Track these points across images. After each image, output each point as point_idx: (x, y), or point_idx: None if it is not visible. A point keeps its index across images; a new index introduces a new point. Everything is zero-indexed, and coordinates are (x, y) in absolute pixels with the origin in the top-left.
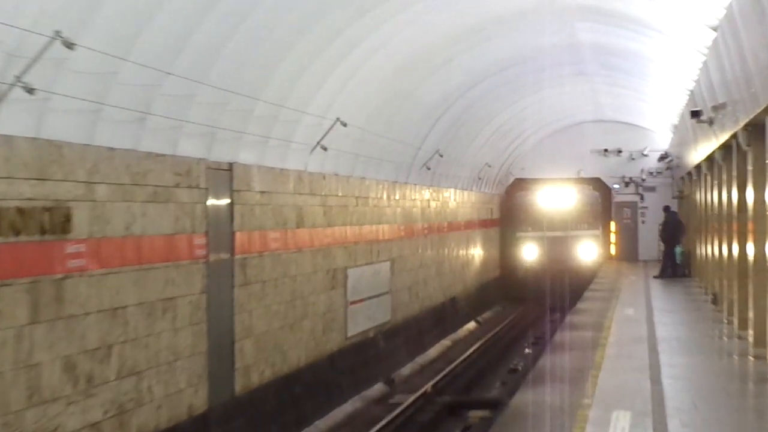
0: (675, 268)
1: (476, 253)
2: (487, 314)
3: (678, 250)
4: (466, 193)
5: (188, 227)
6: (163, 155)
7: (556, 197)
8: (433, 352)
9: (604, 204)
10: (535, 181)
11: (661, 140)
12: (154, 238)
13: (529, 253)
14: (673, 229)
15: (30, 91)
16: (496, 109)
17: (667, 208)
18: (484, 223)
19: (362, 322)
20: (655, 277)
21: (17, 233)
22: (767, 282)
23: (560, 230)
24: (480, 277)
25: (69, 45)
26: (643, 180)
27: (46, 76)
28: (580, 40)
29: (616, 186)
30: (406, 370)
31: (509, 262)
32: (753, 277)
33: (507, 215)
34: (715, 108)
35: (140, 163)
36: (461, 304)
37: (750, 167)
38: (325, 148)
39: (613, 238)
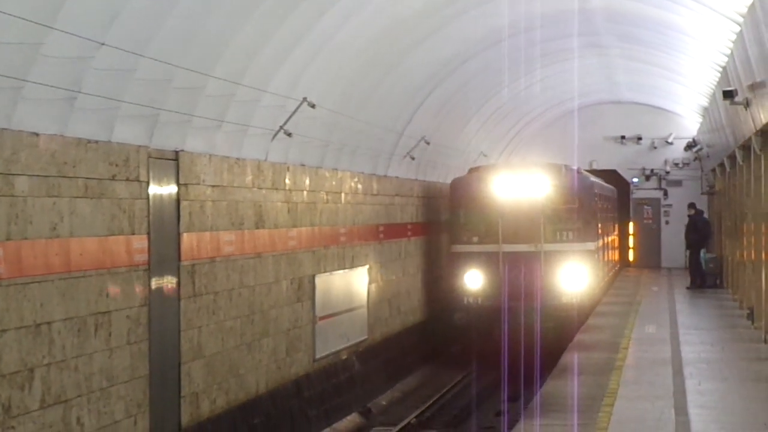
0: (703, 277)
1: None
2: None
3: (703, 255)
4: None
5: (126, 228)
6: (96, 142)
7: (520, 188)
8: (417, 376)
9: (619, 201)
10: (494, 168)
11: (688, 126)
12: (85, 241)
13: (472, 280)
14: (703, 231)
15: None
16: (494, 88)
17: (692, 206)
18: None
19: (333, 341)
20: (688, 287)
21: None
22: None
23: (526, 242)
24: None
25: None
26: (667, 172)
27: None
28: (593, 5)
29: (635, 180)
30: (385, 398)
31: (441, 296)
32: None
33: (448, 219)
34: (752, 87)
35: (69, 151)
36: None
37: None
38: (289, 134)
39: (631, 241)
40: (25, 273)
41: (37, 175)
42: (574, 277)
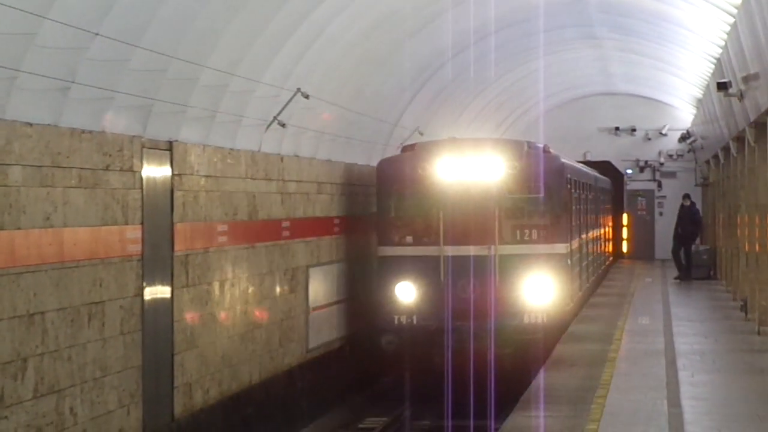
0: (683, 268)
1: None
2: None
3: (695, 247)
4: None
5: (120, 218)
6: (90, 132)
7: (469, 171)
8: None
9: (613, 192)
10: (434, 146)
11: (682, 117)
12: (79, 231)
13: (405, 293)
14: (700, 222)
15: None
16: (488, 79)
17: (688, 196)
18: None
19: (327, 331)
20: (681, 279)
21: None
22: None
23: (476, 244)
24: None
25: None
26: (661, 164)
27: None
28: None
29: (629, 171)
30: (378, 388)
31: (366, 314)
32: None
33: (375, 213)
34: (746, 79)
35: (63, 141)
36: None
37: None
38: (283, 125)
39: (625, 233)
40: (18, 263)
41: (31, 165)
42: (539, 289)
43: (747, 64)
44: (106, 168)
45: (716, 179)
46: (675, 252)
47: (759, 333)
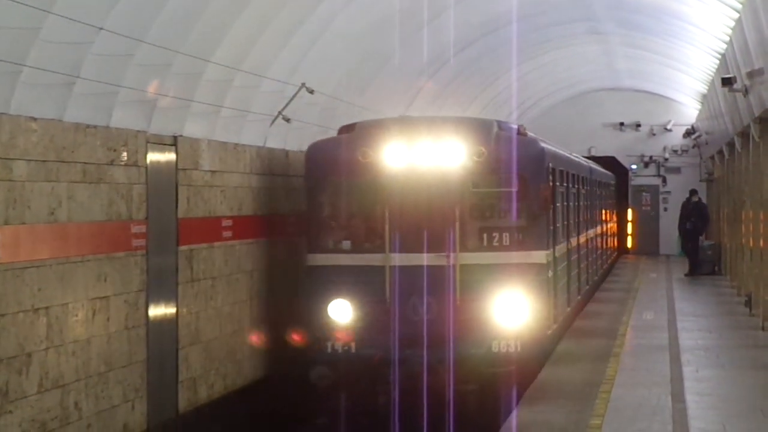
0: (699, 264)
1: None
2: None
3: (702, 242)
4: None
5: (124, 213)
6: (95, 127)
7: (423, 158)
8: None
9: (618, 187)
10: (379, 126)
11: (687, 113)
12: (83, 226)
13: (341, 314)
14: (708, 217)
15: None
16: (493, 75)
17: (695, 192)
18: None
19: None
20: (687, 275)
21: None
22: None
23: (431, 250)
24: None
25: None
26: (666, 159)
27: None
28: None
29: (633, 166)
30: None
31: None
32: None
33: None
34: (751, 74)
35: (67, 135)
36: None
37: None
38: (287, 120)
39: (629, 228)
40: (23, 257)
41: (36, 160)
42: (510, 309)
43: (751, 59)
44: (111, 163)
45: (721, 175)
46: (685, 248)
47: (763, 328)
